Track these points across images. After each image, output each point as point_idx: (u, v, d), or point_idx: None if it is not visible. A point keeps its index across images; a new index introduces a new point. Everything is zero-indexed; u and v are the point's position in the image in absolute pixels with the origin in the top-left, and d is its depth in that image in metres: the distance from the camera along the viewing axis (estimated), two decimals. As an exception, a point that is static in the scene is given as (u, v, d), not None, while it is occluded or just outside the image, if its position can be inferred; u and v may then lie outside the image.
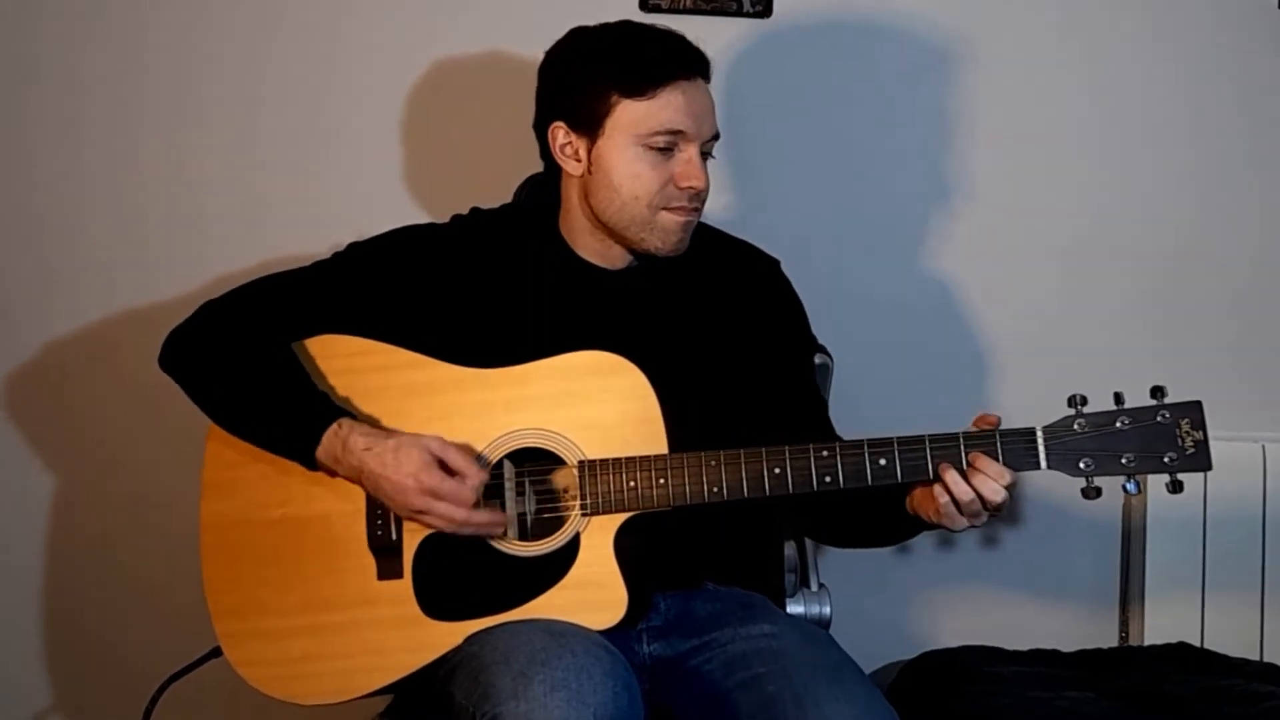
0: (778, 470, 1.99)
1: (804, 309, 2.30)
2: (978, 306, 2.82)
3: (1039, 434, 1.96)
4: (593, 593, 2.00)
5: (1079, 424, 1.96)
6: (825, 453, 1.99)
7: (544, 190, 2.23)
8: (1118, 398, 1.97)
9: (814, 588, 2.48)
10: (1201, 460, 1.95)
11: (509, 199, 2.35)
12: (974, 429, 1.99)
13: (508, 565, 2.02)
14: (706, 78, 2.13)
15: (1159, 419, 1.95)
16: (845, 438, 2.11)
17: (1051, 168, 2.82)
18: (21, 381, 2.76)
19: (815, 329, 2.33)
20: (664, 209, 2.10)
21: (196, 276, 2.58)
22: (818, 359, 2.39)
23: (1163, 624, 2.74)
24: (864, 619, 2.69)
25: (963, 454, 1.96)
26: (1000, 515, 2.00)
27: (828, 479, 1.98)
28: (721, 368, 2.17)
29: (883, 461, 1.98)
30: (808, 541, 2.44)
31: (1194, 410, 1.95)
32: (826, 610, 2.44)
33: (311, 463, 2.05)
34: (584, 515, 2.02)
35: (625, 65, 2.07)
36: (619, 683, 1.85)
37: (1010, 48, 2.80)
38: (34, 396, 2.77)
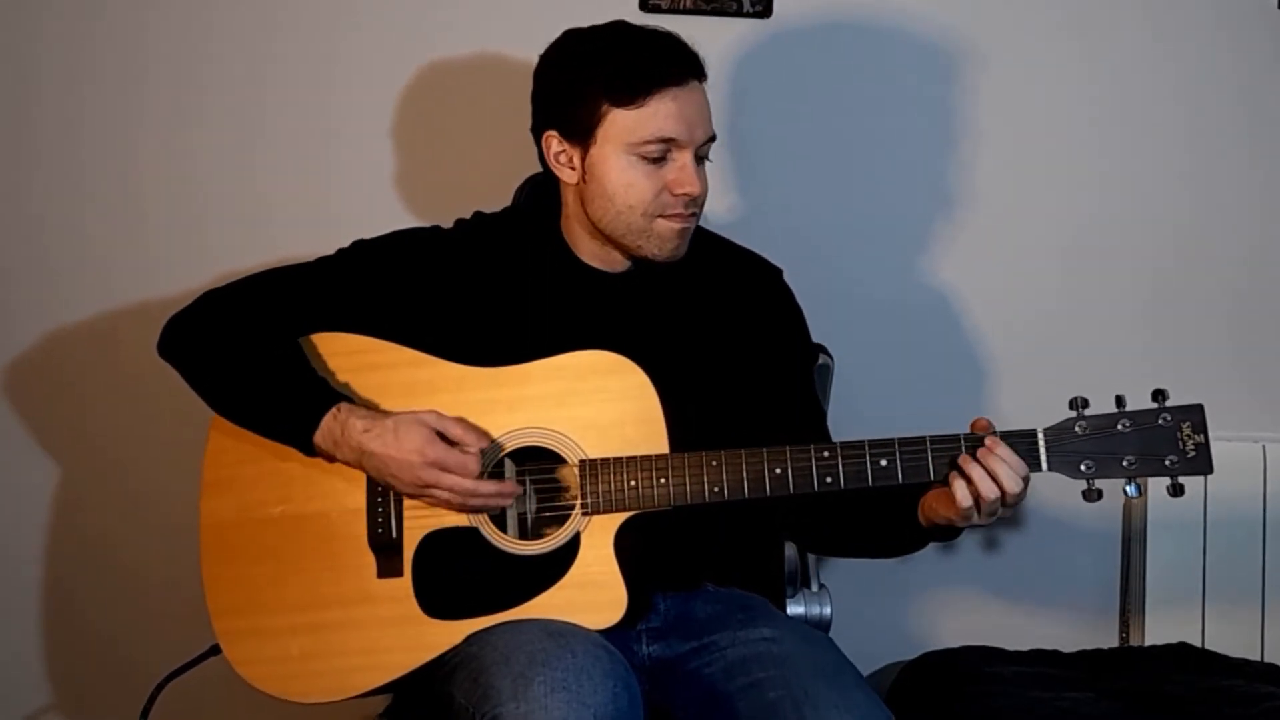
0: (779, 470, 1.99)
1: (804, 318, 2.29)
2: (978, 306, 2.82)
3: (1040, 436, 1.96)
4: (592, 592, 2.00)
5: (1080, 426, 1.96)
6: (826, 453, 1.99)
7: (544, 192, 2.23)
8: (1119, 400, 1.97)
9: (814, 589, 2.48)
10: (1202, 463, 1.95)
11: (510, 200, 2.35)
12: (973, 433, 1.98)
13: (508, 564, 2.02)
14: (701, 78, 2.10)
15: (1160, 422, 1.95)
16: (845, 439, 2.11)
17: (1052, 168, 2.82)
18: (21, 376, 2.76)
19: (815, 329, 2.32)
20: (660, 216, 2.08)
21: (196, 273, 2.58)
22: (818, 359, 2.38)
23: (1163, 625, 2.74)
24: (864, 620, 2.69)
25: (964, 454, 1.96)
26: (1007, 517, 1.99)
27: (829, 479, 1.98)
28: (720, 372, 2.17)
29: (884, 462, 1.97)
30: (808, 542, 2.45)
31: (1195, 413, 1.95)
32: (827, 611, 2.45)
33: (309, 448, 2.05)
34: (584, 514, 2.02)
35: (614, 73, 2.05)
36: (619, 683, 1.85)
37: (1011, 47, 2.80)
38: (33, 391, 2.77)
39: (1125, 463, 1.95)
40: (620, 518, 2.01)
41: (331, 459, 2.05)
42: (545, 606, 1.99)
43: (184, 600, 2.31)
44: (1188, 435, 1.94)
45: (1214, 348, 2.83)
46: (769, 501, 2.01)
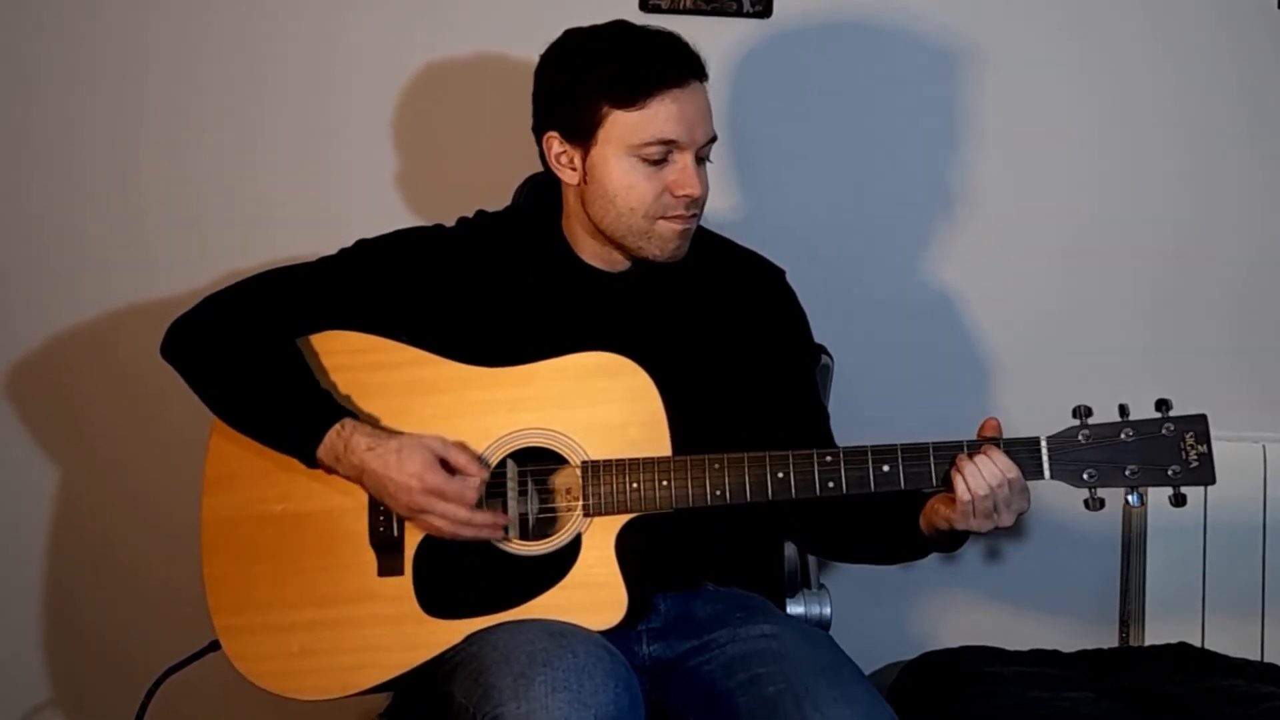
0: (781, 474, 1.99)
1: (807, 319, 2.29)
2: (978, 306, 2.82)
3: (1043, 444, 1.96)
4: (593, 593, 2.00)
5: (1083, 435, 1.95)
6: (829, 458, 1.99)
7: (545, 191, 2.23)
8: (1122, 409, 1.96)
9: (814, 588, 2.48)
10: (1205, 474, 1.94)
11: (510, 200, 2.35)
12: (978, 439, 1.98)
13: (509, 564, 2.02)
14: (702, 79, 2.10)
15: (1163, 431, 1.95)
16: (846, 441, 2.11)
17: (1052, 168, 2.81)
18: (22, 376, 2.76)
19: (816, 329, 2.32)
20: (661, 218, 2.08)
21: (197, 274, 2.58)
22: (819, 361, 2.38)
23: (1163, 625, 2.74)
24: (864, 620, 2.68)
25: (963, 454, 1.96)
26: (1009, 525, 1.98)
27: (831, 484, 1.98)
28: (722, 372, 2.17)
29: (886, 468, 1.97)
30: (808, 542, 2.45)
31: (1198, 423, 1.95)
32: (827, 611, 2.45)
33: (312, 461, 2.05)
34: (586, 516, 2.02)
35: (614, 75, 2.04)
36: (620, 684, 1.85)
37: (1011, 48, 2.80)
38: (34, 391, 2.77)
39: (1128, 472, 1.95)
40: (622, 519, 2.01)
41: (333, 472, 2.05)
42: (546, 607, 2.00)
43: (183, 598, 2.32)
44: (1190, 445, 1.94)
45: (1214, 348, 2.83)
46: (771, 504, 2.01)
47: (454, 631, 2.00)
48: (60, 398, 2.77)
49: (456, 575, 2.03)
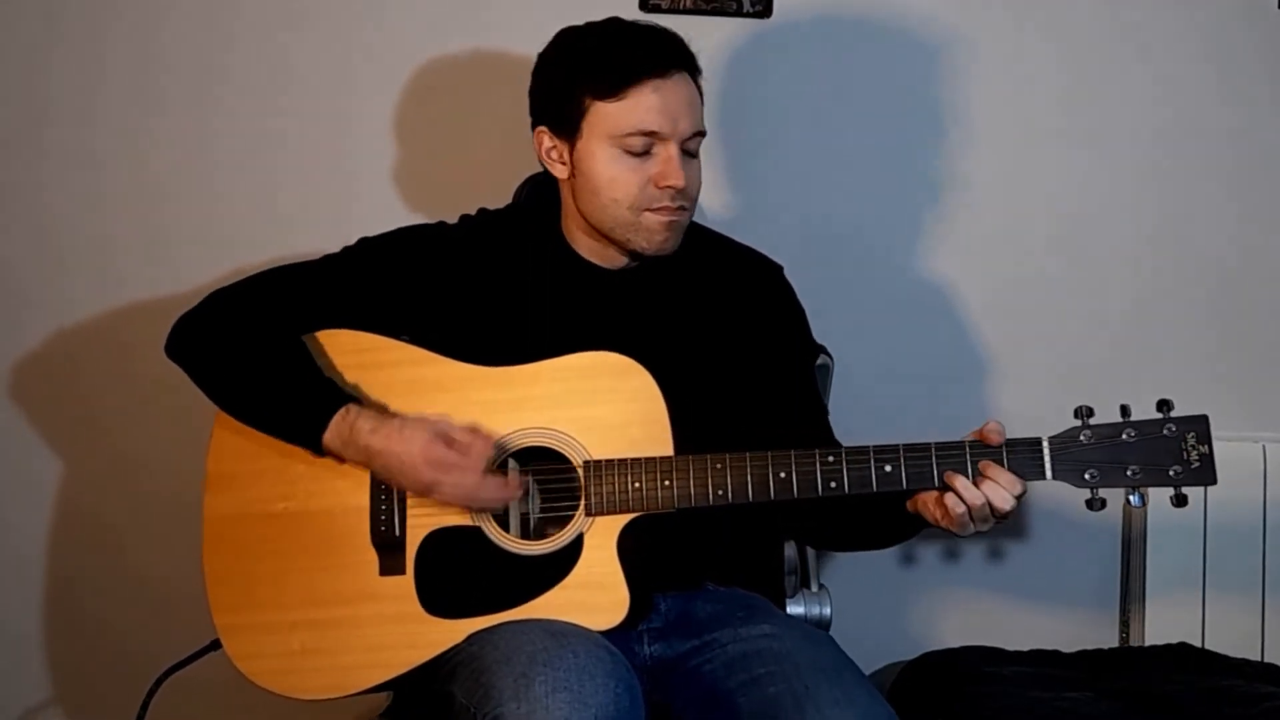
0: (783, 475, 1.99)
1: (805, 315, 2.29)
2: (977, 305, 2.82)
3: (1045, 444, 1.96)
4: (595, 593, 2.00)
5: (1085, 435, 1.95)
6: (831, 458, 1.99)
7: (546, 189, 2.23)
8: (1124, 410, 1.96)
9: (814, 589, 2.48)
10: (1206, 474, 1.94)
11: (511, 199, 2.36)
12: (978, 439, 1.98)
13: (510, 564, 2.02)
14: (688, 71, 2.10)
15: (1165, 432, 1.95)
16: (845, 438, 2.11)
17: (1051, 169, 2.82)
18: (28, 371, 2.76)
19: (815, 329, 2.32)
20: (647, 210, 2.08)
21: (204, 271, 2.58)
22: (818, 359, 2.38)
23: (1163, 625, 2.75)
24: (864, 620, 2.69)
25: (968, 462, 1.96)
26: (1005, 524, 1.99)
27: (833, 484, 1.98)
28: (720, 368, 2.17)
29: (888, 468, 1.97)
30: (808, 542, 2.45)
31: (1200, 424, 1.95)
32: (827, 611, 2.45)
33: (319, 448, 2.05)
34: (588, 515, 2.02)
35: (594, 66, 2.06)
36: (621, 684, 1.85)
37: (1010, 47, 2.80)
38: (40, 387, 2.77)
39: (1129, 472, 1.95)
40: (624, 519, 2.01)
41: (340, 459, 2.05)
42: (547, 607, 2.00)
43: (185, 595, 2.31)
44: (1192, 446, 1.94)
45: (1213, 347, 2.84)
46: (772, 504, 2.01)
47: (455, 631, 2.00)
48: (65, 393, 2.77)
49: (458, 575, 2.04)
